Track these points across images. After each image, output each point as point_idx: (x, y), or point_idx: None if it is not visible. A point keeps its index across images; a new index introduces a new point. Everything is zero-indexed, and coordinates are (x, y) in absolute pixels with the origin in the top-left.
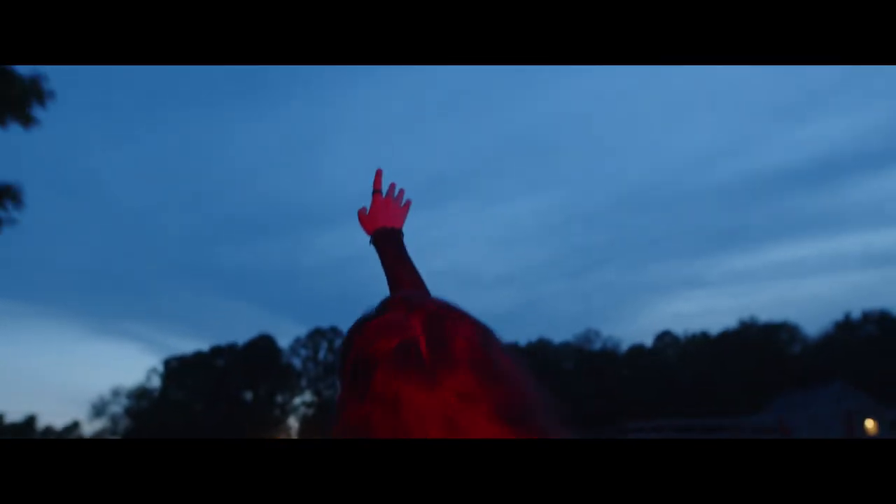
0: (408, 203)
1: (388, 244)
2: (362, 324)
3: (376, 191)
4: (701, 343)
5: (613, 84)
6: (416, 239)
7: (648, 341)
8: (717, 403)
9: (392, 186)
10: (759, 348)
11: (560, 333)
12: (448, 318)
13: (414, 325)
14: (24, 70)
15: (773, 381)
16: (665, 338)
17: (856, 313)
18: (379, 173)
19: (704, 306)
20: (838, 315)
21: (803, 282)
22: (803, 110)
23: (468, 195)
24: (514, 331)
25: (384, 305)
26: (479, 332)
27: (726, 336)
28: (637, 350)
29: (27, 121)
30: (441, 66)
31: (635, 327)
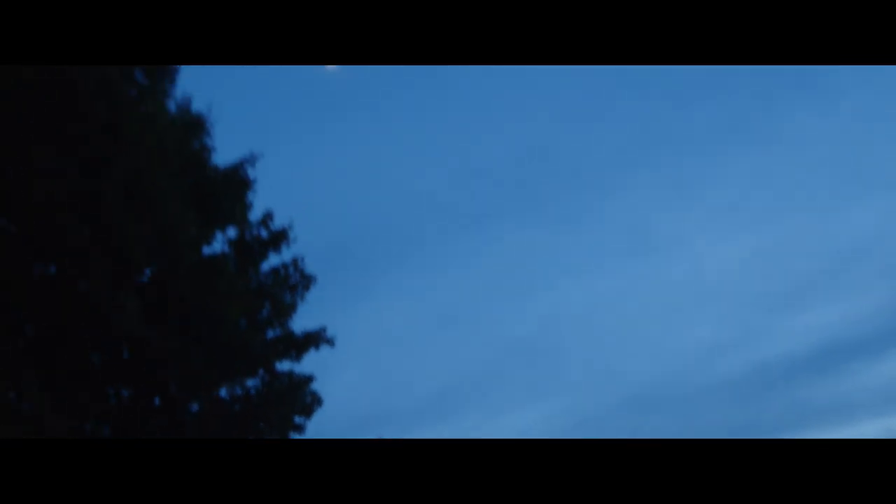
0: None
1: None
2: None
3: None
4: None
5: (609, 284)
6: None
7: None
8: None
9: None
10: None
11: None
12: None
13: None
14: None
15: None
16: None
17: None
18: None
19: None
20: None
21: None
22: (798, 297)
23: (473, 408)
24: None
25: None
26: None
27: None
28: None
29: None
30: (438, 278)
31: None
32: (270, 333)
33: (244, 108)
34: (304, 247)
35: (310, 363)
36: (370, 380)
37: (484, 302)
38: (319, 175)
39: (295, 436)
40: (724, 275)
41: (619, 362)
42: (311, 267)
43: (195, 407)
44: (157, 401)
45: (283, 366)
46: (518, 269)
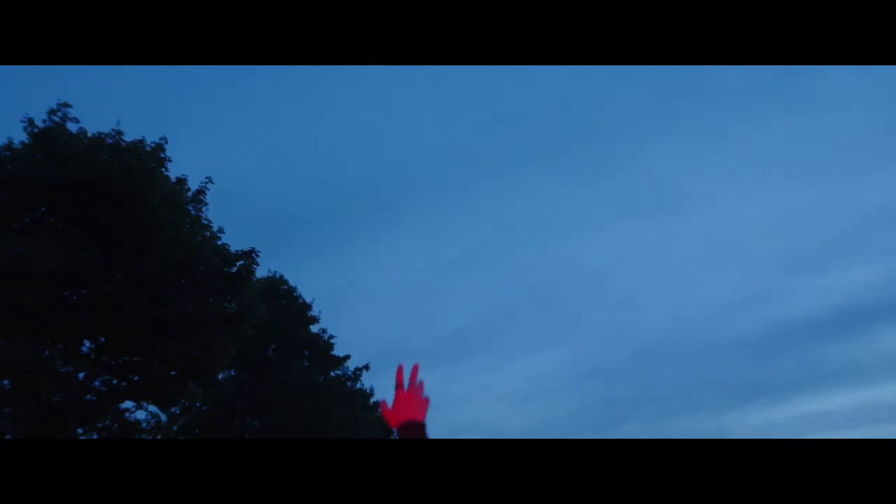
0: (427, 399)
1: (413, 438)
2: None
3: (398, 385)
4: None
5: (631, 238)
6: (437, 395)
7: None
8: None
9: (414, 370)
10: None
11: None
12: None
13: None
14: None
15: None
16: None
17: None
18: (400, 369)
19: None
20: None
21: (834, 435)
22: (821, 261)
23: (487, 350)
24: None
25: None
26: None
27: None
28: None
29: None
30: (458, 223)
31: None
32: None
33: (289, 82)
34: (333, 187)
35: (330, 299)
36: (391, 317)
37: (507, 248)
38: (352, 116)
39: None
40: (746, 234)
41: (635, 315)
42: (338, 205)
43: None
44: None
45: None
46: (542, 219)
